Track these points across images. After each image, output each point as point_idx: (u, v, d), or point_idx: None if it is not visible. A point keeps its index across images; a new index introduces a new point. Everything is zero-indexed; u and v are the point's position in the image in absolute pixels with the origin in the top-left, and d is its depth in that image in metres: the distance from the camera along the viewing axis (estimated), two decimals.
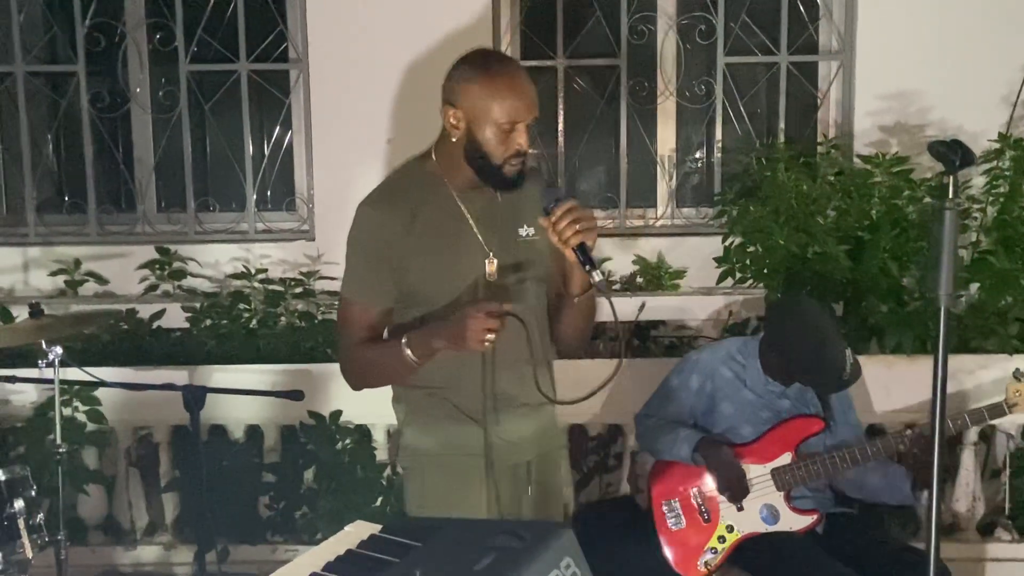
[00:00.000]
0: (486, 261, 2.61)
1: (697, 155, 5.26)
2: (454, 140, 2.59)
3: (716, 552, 3.33)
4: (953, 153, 2.06)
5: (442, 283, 2.61)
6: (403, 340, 2.55)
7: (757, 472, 3.32)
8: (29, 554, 3.16)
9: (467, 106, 2.54)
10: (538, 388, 2.67)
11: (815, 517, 3.33)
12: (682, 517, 3.36)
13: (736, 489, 3.27)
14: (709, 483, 3.34)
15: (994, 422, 4.09)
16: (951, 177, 2.08)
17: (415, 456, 2.75)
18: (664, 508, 3.38)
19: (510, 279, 2.63)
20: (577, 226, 2.42)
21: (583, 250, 2.44)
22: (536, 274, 2.69)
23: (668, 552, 3.37)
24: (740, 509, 3.32)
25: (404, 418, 2.78)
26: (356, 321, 2.65)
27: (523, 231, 2.66)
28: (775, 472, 3.32)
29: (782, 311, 3.58)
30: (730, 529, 3.33)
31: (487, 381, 2.65)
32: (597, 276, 2.45)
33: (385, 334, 2.68)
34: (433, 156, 2.67)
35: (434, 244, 2.60)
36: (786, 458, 3.33)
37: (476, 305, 2.47)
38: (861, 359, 4.01)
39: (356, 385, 2.73)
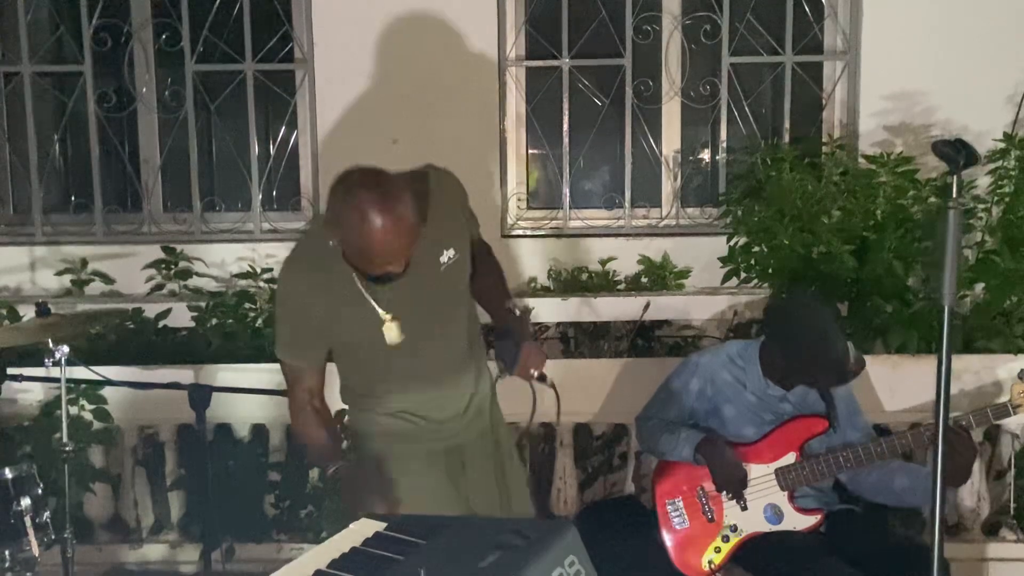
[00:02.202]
0: (383, 328, 2.73)
1: (702, 155, 5.26)
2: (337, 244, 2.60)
3: (720, 551, 3.33)
4: (957, 152, 2.06)
5: (358, 342, 2.79)
6: (332, 468, 2.76)
7: (761, 472, 3.32)
8: (36, 552, 3.18)
9: (342, 238, 2.54)
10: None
11: (819, 516, 3.33)
12: (686, 516, 3.37)
13: (734, 487, 3.27)
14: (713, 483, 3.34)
15: (999, 422, 4.10)
16: (955, 177, 2.08)
17: (359, 448, 2.99)
18: (668, 507, 3.39)
19: (419, 326, 2.75)
20: (532, 373, 2.75)
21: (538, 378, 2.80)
22: (456, 297, 2.85)
23: (672, 551, 3.37)
24: (744, 509, 3.32)
25: (349, 413, 3.03)
26: (295, 381, 2.84)
27: (444, 257, 2.75)
28: (779, 472, 3.32)
29: (781, 309, 3.58)
30: (734, 528, 3.33)
31: (417, 379, 2.85)
32: (548, 382, 2.81)
33: (331, 459, 2.80)
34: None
35: (344, 313, 2.72)
36: (790, 458, 3.33)
37: (372, 494, 2.60)
38: (865, 359, 4.03)
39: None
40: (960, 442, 3.12)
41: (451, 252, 2.76)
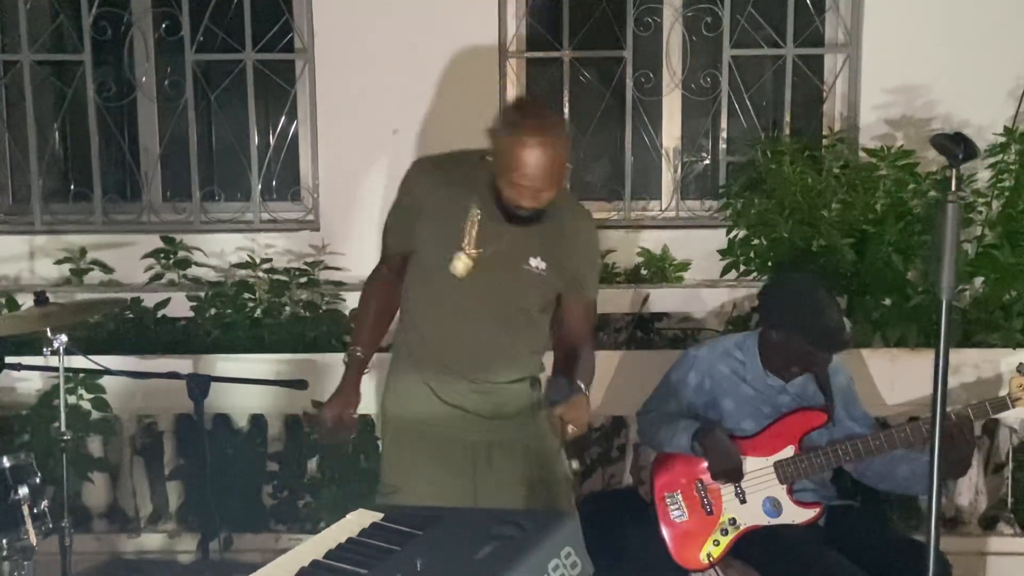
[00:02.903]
0: (456, 255, 2.81)
1: (702, 148, 5.26)
2: (489, 159, 2.77)
3: (718, 544, 3.34)
4: (956, 146, 2.06)
5: (430, 258, 2.90)
6: (352, 347, 3.08)
7: (760, 465, 3.32)
8: (33, 540, 3.18)
9: (495, 149, 2.73)
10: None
11: (818, 510, 3.33)
12: (685, 509, 3.37)
13: (730, 476, 3.27)
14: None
15: (997, 416, 4.10)
16: (954, 170, 2.08)
17: (384, 423, 3.12)
18: (667, 500, 3.39)
19: (481, 290, 2.85)
20: (569, 426, 2.74)
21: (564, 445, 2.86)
22: (521, 303, 2.93)
23: (671, 544, 3.37)
24: (743, 502, 3.33)
25: (384, 387, 3.13)
26: (382, 244, 3.09)
27: (533, 261, 2.86)
28: (778, 465, 3.32)
29: (773, 287, 3.57)
30: (732, 522, 3.34)
31: (445, 350, 2.95)
32: (574, 464, 2.90)
33: (358, 337, 3.11)
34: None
35: (443, 224, 2.83)
36: (789, 451, 3.33)
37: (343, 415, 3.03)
38: (865, 352, 4.04)
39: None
40: (960, 434, 3.13)
41: (542, 265, 2.86)
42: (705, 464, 3.32)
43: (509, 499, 2.92)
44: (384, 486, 3.03)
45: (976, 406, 3.26)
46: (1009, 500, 4.28)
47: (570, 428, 2.74)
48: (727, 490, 3.34)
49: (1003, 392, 3.34)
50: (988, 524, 4.24)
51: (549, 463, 3.01)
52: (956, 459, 3.18)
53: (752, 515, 3.33)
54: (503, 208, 2.76)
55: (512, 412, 2.99)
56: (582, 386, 2.83)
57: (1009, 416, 4.08)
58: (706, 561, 3.35)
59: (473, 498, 2.91)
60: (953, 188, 2.07)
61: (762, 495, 3.33)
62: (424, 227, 2.88)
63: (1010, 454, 4.24)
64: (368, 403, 4.12)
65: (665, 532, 3.39)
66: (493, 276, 2.83)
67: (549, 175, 2.65)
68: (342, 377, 3.10)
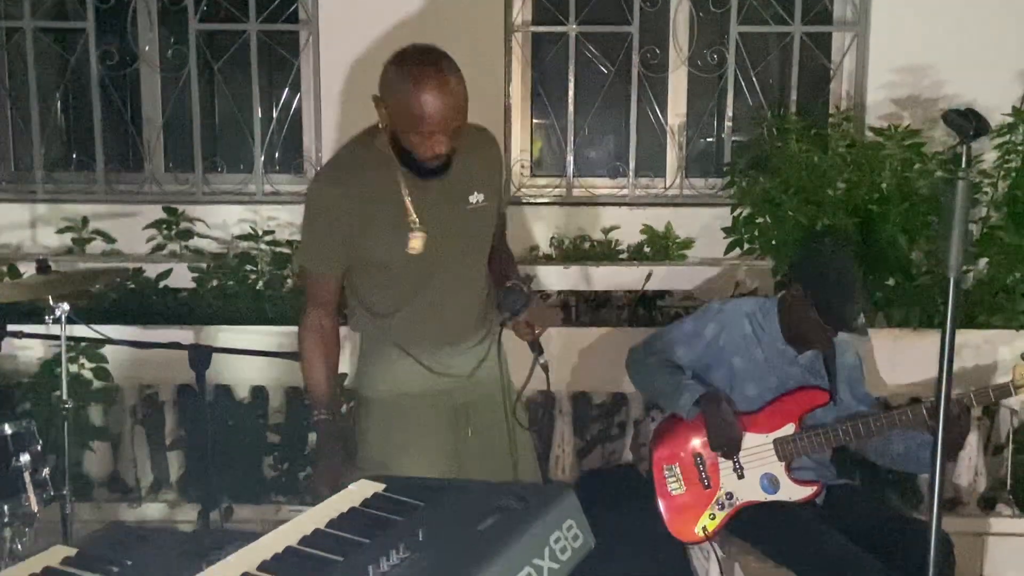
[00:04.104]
0: (409, 235, 2.73)
1: (707, 125, 5.23)
2: (381, 127, 2.68)
3: (714, 518, 3.34)
4: (967, 122, 2.05)
5: (383, 254, 2.77)
6: (316, 413, 2.85)
7: (759, 441, 3.32)
8: (35, 507, 3.19)
9: (392, 107, 2.61)
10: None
11: (815, 488, 3.33)
12: (682, 481, 3.37)
13: (729, 447, 3.26)
14: (711, 449, 3.35)
15: (1000, 402, 4.10)
16: (965, 147, 2.06)
17: (362, 403, 2.97)
18: (665, 472, 3.39)
19: (442, 251, 2.77)
20: (534, 330, 2.72)
21: (532, 344, 2.76)
22: (480, 243, 2.88)
23: (666, 516, 3.38)
24: (741, 477, 3.33)
25: (356, 363, 3.00)
26: (309, 287, 2.88)
27: (473, 198, 2.80)
28: (777, 442, 3.32)
29: (811, 244, 3.57)
30: (729, 496, 3.34)
31: (430, 327, 2.87)
32: (542, 359, 2.75)
33: (319, 401, 2.87)
34: (384, 133, 2.72)
35: (382, 221, 2.73)
36: (789, 429, 3.33)
37: (329, 481, 2.70)
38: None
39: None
40: (955, 418, 3.13)
41: (480, 197, 2.80)
42: (704, 437, 3.32)
43: (488, 458, 2.92)
44: (367, 461, 2.91)
45: (979, 392, 3.26)
46: (1008, 481, 4.28)
47: (536, 329, 2.73)
48: (725, 465, 3.34)
49: (1005, 375, 3.34)
50: (987, 505, 4.25)
51: (516, 418, 2.99)
52: (948, 441, 3.17)
53: (749, 491, 3.33)
54: (418, 167, 2.67)
55: (486, 368, 2.96)
56: (518, 277, 2.84)
57: (1010, 398, 4.08)
58: (701, 534, 3.35)
59: (456, 461, 2.89)
60: (964, 164, 2.05)
61: (760, 471, 3.33)
62: (363, 232, 2.74)
63: (1010, 435, 4.25)
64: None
65: (661, 504, 3.39)
66: (447, 234, 2.77)
67: (457, 110, 2.57)
68: (319, 446, 2.89)
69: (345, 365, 3.21)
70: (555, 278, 4.77)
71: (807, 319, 3.29)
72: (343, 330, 2.95)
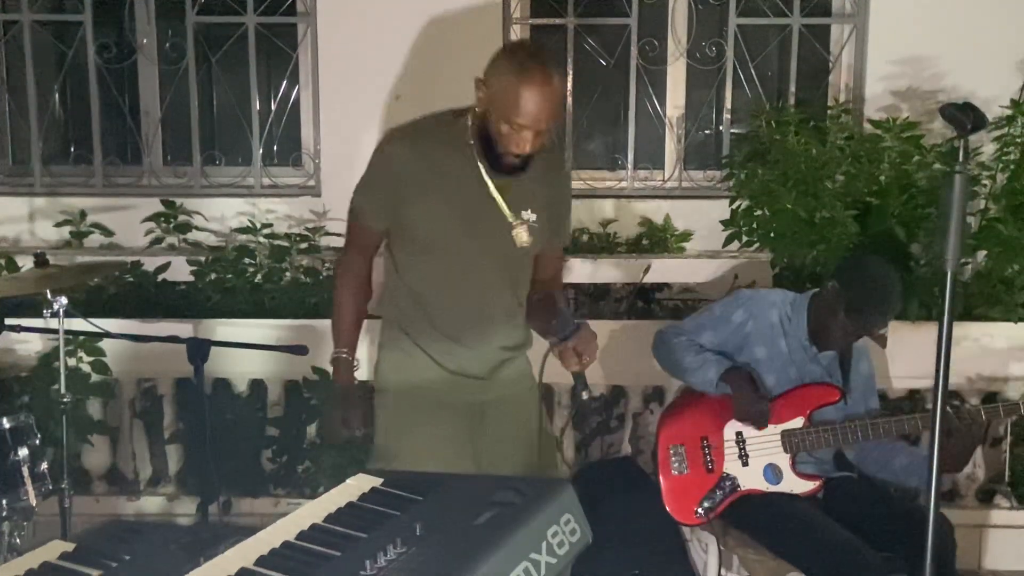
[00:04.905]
0: (513, 233, 2.80)
1: (706, 117, 5.22)
2: (478, 111, 2.73)
3: (714, 502, 3.34)
4: (965, 116, 2.04)
5: (430, 229, 2.79)
6: (336, 350, 2.95)
7: (768, 431, 3.31)
8: (33, 501, 3.19)
9: (491, 91, 2.66)
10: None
11: (817, 483, 3.34)
12: (686, 463, 3.37)
13: (757, 418, 3.25)
14: (718, 434, 3.35)
15: (995, 390, 4.11)
16: (962, 140, 2.06)
17: (379, 391, 2.99)
18: (670, 451, 3.39)
19: (483, 252, 2.82)
20: (581, 359, 2.72)
21: (578, 376, 2.75)
22: (518, 260, 2.90)
23: (666, 495, 3.38)
24: (745, 464, 3.33)
25: (377, 355, 3.02)
26: (351, 233, 2.96)
27: (526, 214, 2.83)
28: (785, 434, 3.32)
29: (866, 253, 3.62)
30: (732, 482, 3.34)
31: (452, 322, 2.88)
32: (584, 395, 2.77)
33: (339, 338, 2.96)
34: (468, 118, 2.78)
35: (448, 198, 2.76)
36: (798, 422, 3.33)
37: (347, 417, 2.93)
38: None
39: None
40: (967, 431, 3.17)
41: (533, 217, 2.83)
42: (715, 422, 3.32)
43: (505, 457, 2.92)
44: (380, 450, 2.97)
45: (989, 408, 3.27)
46: (1007, 474, 4.29)
47: (584, 359, 2.72)
48: (730, 450, 3.35)
49: (1004, 370, 3.34)
50: (985, 497, 4.26)
51: (538, 422, 3.00)
52: (957, 453, 3.19)
53: (752, 479, 3.33)
54: (496, 160, 2.72)
55: (507, 374, 2.98)
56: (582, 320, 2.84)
57: (1009, 391, 4.08)
58: (700, 517, 3.35)
59: (472, 459, 2.90)
60: (961, 158, 2.05)
61: (765, 460, 3.33)
62: (414, 201, 2.77)
63: (1008, 428, 4.25)
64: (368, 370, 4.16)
65: (663, 483, 3.39)
66: (495, 236, 2.80)
67: (552, 111, 2.64)
68: (336, 384, 2.99)
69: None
70: None
71: (835, 318, 3.29)
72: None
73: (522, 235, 2.80)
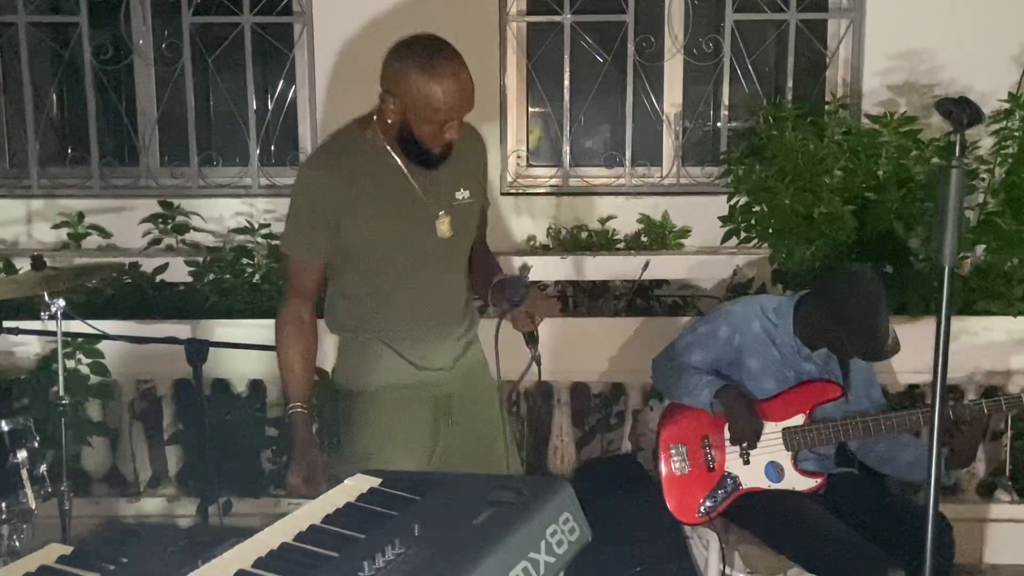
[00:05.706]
0: (436, 222, 2.76)
1: (703, 114, 5.22)
2: (390, 122, 2.66)
3: (716, 500, 3.34)
4: (961, 111, 2.04)
5: (392, 246, 2.76)
6: (291, 405, 2.83)
7: (769, 429, 3.31)
8: (32, 504, 3.19)
9: (404, 99, 2.59)
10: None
11: (819, 480, 3.34)
12: (687, 462, 3.37)
13: (749, 438, 3.25)
14: (719, 433, 3.34)
15: (995, 384, 4.10)
16: (958, 135, 2.05)
17: (346, 396, 2.93)
18: (671, 450, 3.39)
19: (428, 244, 2.78)
20: (533, 321, 2.71)
21: (530, 335, 2.75)
22: (463, 239, 2.87)
23: (667, 493, 3.38)
24: (746, 463, 3.33)
25: (337, 360, 2.96)
26: (291, 274, 2.84)
27: (459, 195, 2.81)
28: (786, 432, 3.32)
29: (836, 276, 3.42)
30: (733, 480, 3.34)
31: (415, 321, 2.84)
32: (534, 351, 2.74)
33: (294, 393, 2.84)
34: (376, 126, 2.72)
35: (381, 209, 2.72)
36: (799, 419, 3.33)
37: (309, 474, 2.78)
38: None
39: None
40: (970, 427, 3.17)
41: (467, 194, 2.81)
42: (716, 421, 3.32)
43: (469, 447, 2.91)
44: (355, 455, 2.87)
45: (991, 402, 3.26)
46: (1007, 468, 4.29)
47: (536, 319, 2.72)
48: (732, 449, 3.34)
49: (1005, 365, 3.33)
50: (986, 491, 4.26)
51: (497, 408, 3.00)
52: (961, 449, 3.19)
53: (753, 477, 3.33)
54: (421, 156, 2.67)
55: (469, 357, 2.96)
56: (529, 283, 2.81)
57: (1010, 384, 4.08)
58: (701, 516, 3.35)
59: (438, 450, 2.88)
60: (957, 153, 2.04)
61: (766, 459, 3.33)
62: (351, 220, 2.71)
63: (1008, 422, 4.25)
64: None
65: (664, 482, 3.39)
66: (434, 231, 2.78)
67: (470, 97, 2.59)
68: (295, 439, 2.83)
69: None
70: (552, 268, 4.76)
71: (835, 340, 3.28)
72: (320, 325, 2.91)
73: (444, 226, 2.76)
